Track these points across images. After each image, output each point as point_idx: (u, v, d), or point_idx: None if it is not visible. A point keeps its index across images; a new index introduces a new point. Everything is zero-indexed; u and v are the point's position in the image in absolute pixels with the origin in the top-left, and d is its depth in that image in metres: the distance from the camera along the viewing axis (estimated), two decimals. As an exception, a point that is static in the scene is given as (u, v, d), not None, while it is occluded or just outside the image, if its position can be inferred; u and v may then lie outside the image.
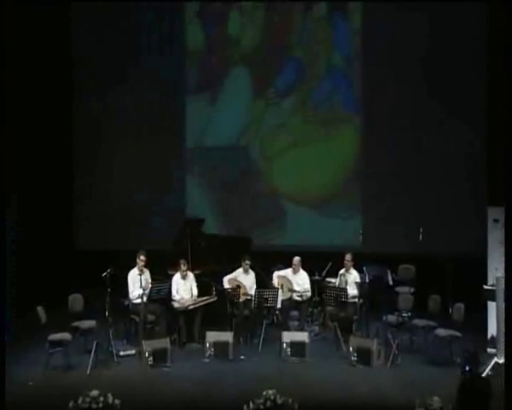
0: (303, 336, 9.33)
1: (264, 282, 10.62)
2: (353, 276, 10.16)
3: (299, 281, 10.35)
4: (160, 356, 8.89)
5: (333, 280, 10.47)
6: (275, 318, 10.50)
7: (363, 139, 12.74)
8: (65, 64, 12.69)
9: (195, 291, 10.05)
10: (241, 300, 10.01)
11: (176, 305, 9.84)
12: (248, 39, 13.06)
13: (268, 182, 13.04)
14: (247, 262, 10.28)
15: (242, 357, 9.29)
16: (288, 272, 10.45)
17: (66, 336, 8.86)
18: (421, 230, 10.44)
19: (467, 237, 11.75)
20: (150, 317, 9.68)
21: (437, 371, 8.55)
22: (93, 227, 12.88)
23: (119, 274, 9.47)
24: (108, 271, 9.12)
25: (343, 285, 10.01)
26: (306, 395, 7.60)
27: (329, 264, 10.64)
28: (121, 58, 12.85)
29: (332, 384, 8.35)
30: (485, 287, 9.07)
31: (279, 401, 6.41)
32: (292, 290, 10.27)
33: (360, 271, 10.35)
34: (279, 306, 10.09)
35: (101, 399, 6.20)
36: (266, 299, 9.83)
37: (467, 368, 6.28)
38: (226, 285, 10.19)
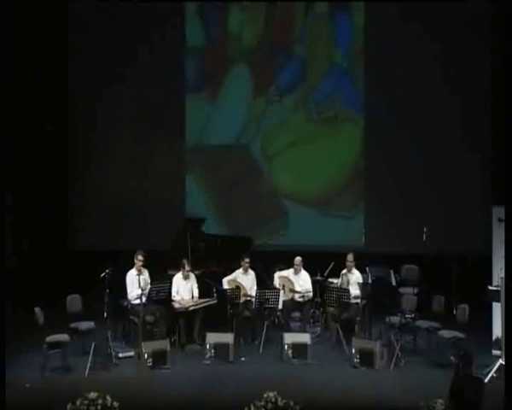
0: (305, 338, 9.31)
1: (265, 282, 10.61)
2: (356, 276, 10.14)
3: (301, 281, 10.34)
4: (159, 358, 8.87)
5: (335, 281, 10.45)
6: (276, 319, 10.49)
7: (365, 137, 12.73)
8: (62, 61, 12.68)
9: (196, 292, 10.04)
10: (241, 301, 9.99)
11: (176, 305, 9.83)
12: (249, 36, 13.06)
13: (269, 181, 13.03)
14: (247, 261, 10.27)
15: (243, 359, 9.28)
16: (289, 272, 10.43)
17: (64, 337, 8.85)
18: (424, 229, 10.42)
19: (471, 236, 11.74)
20: (149, 318, 9.66)
21: (441, 373, 8.51)
22: (91, 227, 12.86)
23: (117, 274, 9.45)
24: (107, 271, 9.10)
25: (345, 286, 10.00)
26: (308, 398, 7.60)
27: (331, 264, 10.63)
28: (120, 55, 12.83)
29: (334, 386, 8.33)
30: (490, 287, 9.06)
31: (280, 404, 6.40)
32: (293, 291, 10.25)
33: (363, 271, 10.33)
34: (280, 307, 10.07)
35: (100, 401, 6.21)
36: (267, 300, 9.81)
37: (459, 367, 6.31)
38: (226, 287, 10.17)
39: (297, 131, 12.96)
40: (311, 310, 10.48)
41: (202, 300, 10.00)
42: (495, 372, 8.23)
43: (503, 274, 8.70)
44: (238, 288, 10.03)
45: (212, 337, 9.24)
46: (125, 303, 9.82)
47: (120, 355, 9.22)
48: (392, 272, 10.61)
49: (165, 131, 13.03)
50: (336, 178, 12.86)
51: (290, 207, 12.93)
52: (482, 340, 9.36)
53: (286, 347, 9.18)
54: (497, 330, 9.09)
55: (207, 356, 9.16)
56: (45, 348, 8.66)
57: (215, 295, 10.12)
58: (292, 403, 6.48)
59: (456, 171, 12.24)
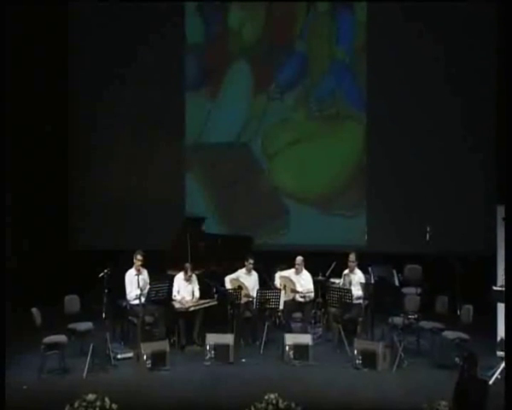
0: (306, 339, 9.31)
1: (266, 282, 10.60)
2: (358, 276, 10.14)
3: (302, 281, 10.33)
4: (158, 359, 8.87)
5: (337, 281, 10.45)
6: (277, 319, 10.48)
7: (367, 135, 12.72)
8: (62, 58, 12.68)
9: (197, 294, 10.04)
10: (242, 301, 9.99)
11: (176, 305, 9.83)
12: (249, 33, 13.04)
13: (270, 180, 13.01)
14: (251, 262, 10.27)
15: (244, 360, 9.28)
16: (290, 272, 10.43)
17: (61, 338, 8.84)
18: (428, 229, 10.40)
19: (475, 236, 11.72)
20: (148, 318, 9.65)
21: (444, 374, 8.51)
22: (90, 226, 12.86)
23: (116, 274, 9.44)
24: (106, 271, 9.09)
25: (347, 286, 9.99)
26: (309, 399, 7.60)
27: (333, 264, 10.61)
28: (119, 54, 12.82)
29: (336, 388, 8.33)
30: (495, 288, 9.04)
31: (281, 405, 6.41)
32: (294, 291, 10.25)
33: (365, 271, 10.33)
34: (281, 307, 10.06)
35: (98, 403, 6.22)
36: (268, 300, 9.81)
37: (464, 369, 6.31)
38: (228, 285, 10.17)
39: (298, 129, 12.94)
40: (313, 311, 10.46)
41: (203, 300, 10.00)
42: (499, 374, 8.22)
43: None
44: (240, 288, 10.03)
45: (212, 338, 9.24)
46: (124, 304, 9.82)
47: (119, 356, 9.22)
48: (394, 272, 10.59)
49: (164, 129, 13.01)
50: (338, 176, 12.84)
51: (291, 206, 12.92)
52: (486, 341, 9.35)
53: (287, 348, 9.18)
54: (502, 331, 9.06)
55: (207, 357, 9.15)
56: (43, 349, 8.66)
57: (215, 295, 10.11)
58: (293, 405, 6.49)
59: (460, 169, 12.22)
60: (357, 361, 8.95)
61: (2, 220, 8.99)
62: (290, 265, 10.46)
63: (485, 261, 10.14)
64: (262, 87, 12.99)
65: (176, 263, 10.19)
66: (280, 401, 6.43)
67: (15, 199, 11.18)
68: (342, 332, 9.64)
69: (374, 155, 12.63)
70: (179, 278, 10.03)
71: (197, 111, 13.09)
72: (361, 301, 9.88)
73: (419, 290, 10.30)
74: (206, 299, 10.05)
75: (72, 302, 9.53)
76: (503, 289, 8.64)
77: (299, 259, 10.36)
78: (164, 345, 9.06)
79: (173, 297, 9.88)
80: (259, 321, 9.97)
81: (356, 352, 9.00)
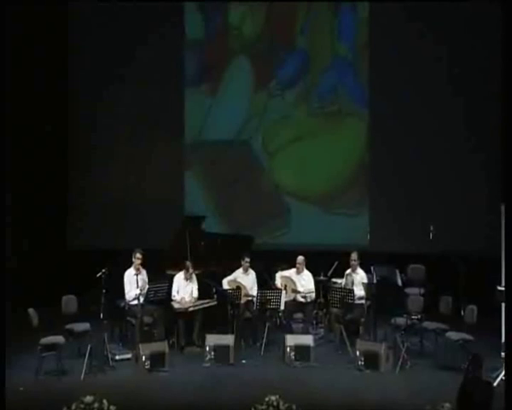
0: (307, 340, 9.31)
1: (266, 282, 10.60)
2: (360, 276, 10.13)
3: (303, 281, 10.33)
4: (157, 360, 8.87)
5: (339, 281, 10.44)
6: (278, 320, 10.47)
7: (370, 133, 12.71)
8: (61, 56, 12.71)
9: (196, 294, 10.04)
10: (242, 301, 9.98)
11: (176, 305, 9.82)
12: (250, 29, 13.05)
13: (270, 178, 13.01)
14: (247, 260, 10.27)
15: (244, 361, 9.27)
16: (291, 272, 10.43)
17: (58, 339, 8.83)
18: (431, 228, 10.40)
19: (480, 235, 11.71)
20: (147, 319, 9.65)
21: (448, 376, 8.51)
22: (87, 225, 12.86)
23: (114, 274, 9.43)
24: (103, 271, 9.09)
25: (349, 286, 9.99)
26: (311, 401, 7.61)
27: (335, 264, 10.61)
28: (119, 53, 12.83)
29: (338, 390, 8.32)
30: (500, 288, 9.03)
31: (282, 408, 6.41)
32: (296, 291, 10.25)
33: (367, 271, 10.32)
34: (282, 307, 10.05)
35: (96, 405, 6.21)
36: (269, 300, 9.80)
37: (469, 370, 6.31)
38: (226, 287, 10.16)
39: (299, 127, 12.95)
40: (314, 311, 10.47)
41: (202, 301, 9.99)
42: (504, 375, 8.20)
43: None
44: (239, 288, 10.03)
45: (212, 339, 9.23)
46: (122, 304, 9.81)
47: (117, 358, 9.21)
48: (397, 271, 10.58)
49: (164, 128, 13.02)
50: (340, 174, 12.85)
51: (292, 205, 12.92)
52: (491, 342, 9.34)
53: (288, 349, 9.17)
54: (507, 332, 9.07)
55: (207, 358, 9.15)
56: (39, 350, 8.65)
57: (215, 296, 10.11)
58: (294, 407, 6.48)
59: (464, 168, 12.21)
60: (360, 362, 8.94)
61: (2, 220, 9.02)
62: (291, 264, 10.46)
63: (489, 261, 10.12)
64: (262, 84, 13.00)
65: (175, 263, 10.19)
66: (281, 403, 6.43)
67: (15, 199, 11.25)
68: (344, 333, 9.63)
69: (376, 153, 12.63)
70: (179, 277, 10.03)
71: (197, 108, 13.12)
72: (363, 301, 9.88)
73: (422, 290, 10.32)
74: (205, 299, 10.04)
75: (69, 303, 9.53)
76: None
77: (300, 258, 10.36)
78: (163, 346, 9.06)
79: (172, 297, 9.87)
80: (260, 322, 9.97)
81: (358, 353, 8.99)
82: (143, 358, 8.81)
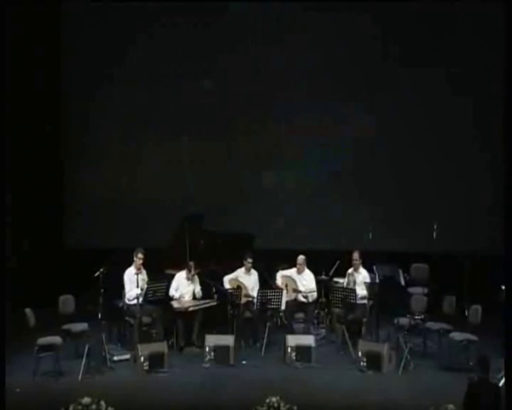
0: (309, 340, 9.32)
1: (267, 282, 10.60)
2: (362, 276, 10.13)
3: (305, 281, 10.33)
4: (156, 361, 8.88)
5: (341, 280, 10.45)
6: (278, 320, 10.48)
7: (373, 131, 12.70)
8: (54, 58, 12.68)
9: (199, 294, 10.05)
10: (242, 301, 9.99)
11: (175, 305, 9.83)
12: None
13: (271, 176, 12.99)
14: (250, 260, 10.27)
15: (244, 362, 9.28)
16: (292, 271, 10.43)
17: (56, 339, 8.85)
18: (435, 226, 10.41)
19: (484, 234, 11.71)
20: (146, 319, 9.65)
21: (452, 377, 8.54)
22: (85, 224, 12.86)
23: (113, 274, 9.44)
24: (101, 270, 9.10)
25: (351, 286, 9.99)
26: (312, 403, 7.63)
27: (337, 263, 10.62)
28: (111, 50, 12.79)
29: (339, 391, 8.34)
30: (504, 287, 9.03)
31: (283, 409, 6.42)
32: (297, 291, 10.25)
33: (370, 270, 10.32)
34: (283, 307, 10.08)
35: (94, 407, 6.23)
36: (269, 300, 9.81)
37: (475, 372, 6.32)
38: (227, 286, 10.18)
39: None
40: (316, 311, 10.48)
41: (202, 301, 10.00)
42: (504, 375, 8.21)
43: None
44: (239, 287, 10.03)
45: (212, 339, 9.24)
46: (121, 304, 9.83)
47: (115, 358, 9.22)
48: (400, 271, 10.59)
49: (163, 127, 13.01)
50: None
51: (293, 203, 12.88)
52: (495, 342, 9.34)
53: (289, 349, 9.19)
54: (511, 333, 9.07)
55: (207, 359, 9.16)
56: (36, 351, 8.66)
57: (215, 295, 10.12)
58: (295, 408, 6.51)
59: (467, 167, 12.20)
60: (362, 363, 8.96)
61: (2, 220, 9.04)
62: (292, 264, 10.46)
63: (494, 260, 10.12)
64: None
65: (174, 262, 10.19)
66: (282, 404, 6.45)
67: (15, 199, 11.32)
68: (346, 333, 9.64)
69: (379, 151, 12.61)
70: (181, 276, 10.04)
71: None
72: (366, 301, 9.88)
73: (426, 290, 10.33)
74: (205, 299, 10.05)
75: (66, 302, 9.55)
76: None
77: (301, 258, 10.36)
78: (162, 346, 9.07)
79: (170, 295, 9.87)
80: (260, 322, 9.97)
81: (360, 354, 9.01)
82: (142, 358, 8.83)
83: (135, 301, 9.51)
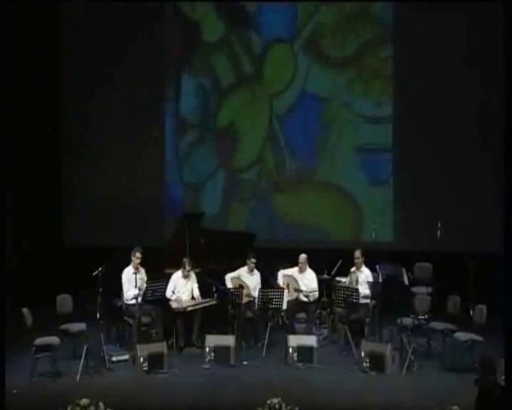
0: (310, 340, 9.31)
1: (268, 281, 10.60)
2: (365, 275, 10.12)
3: (306, 280, 10.31)
4: (155, 362, 8.88)
5: (343, 279, 10.44)
6: (280, 320, 10.48)
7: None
8: (54, 58, 12.72)
9: (197, 293, 10.04)
10: (243, 301, 9.98)
11: (174, 305, 9.82)
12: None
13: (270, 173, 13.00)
14: (253, 260, 10.26)
15: (245, 362, 9.28)
16: (293, 270, 10.42)
17: (53, 339, 8.84)
18: (439, 225, 10.39)
19: (489, 233, 11.69)
20: (145, 319, 9.65)
21: (456, 378, 8.53)
22: (83, 223, 12.87)
23: (111, 273, 9.43)
24: (100, 269, 9.09)
25: (354, 285, 9.98)
26: (314, 404, 7.63)
27: (339, 262, 10.61)
28: (110, 50, 12.80)
29: (342, 392, 8.33)
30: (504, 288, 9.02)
31: (285, 410, 6.41)
32: (298, 290, 10.24)
33: (373, 269, 10.31)
34: (285, 307, 10.06)
35: (92, 408, 6.24)
36: (271, 300, 9.80)
37: (482, 375, 6.28)
38: (229, 284, 10.17)
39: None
40: (318, 311, 10.46)
41: (202, 300, 9.99)
42: (504, 375, 8.20)
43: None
44: (241, 287, 10.02)
45: (212, 340, 9.24)
46: (120, 303, 9.82)
47: (114, 359, 9.22)
48: (404, 270, 10.57)
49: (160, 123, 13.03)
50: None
51: (294, 202, 12.88)
52: (500, 343, 9.33)
53: (290, 350, 9.18)
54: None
55: (207, 360, 9.16)
56: (33, 352, 8.65)
57: (215, 295, 10.11)
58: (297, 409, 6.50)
59: (471, 165, 12.18)
60: (365, 364, 8.94)
61: (2, 220, 9.04)
62: (293, 263, 10.45)
63: (498, 260, 10.11)
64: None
65: (174, 261, 10.18)
66: (283, 405, 6.45)
67: (15, 199, 11.36)
68: (349, 333, 9.64)
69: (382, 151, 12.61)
70: (177, 276, 10.02)
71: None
72: (368, 300, 9.87)
73: (430, 290, 10.32)
74: (205, 298, 10.05)
75: (64, 302, 9.54)
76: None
77: (303, 257, 10.34)
78: (161, 347, 9.06)
79: (167, 296, 9.85)
80: (261, 322, 9.97)
81: (363, 354, 8.99)
82: (141, 359, 8.82)
83: (134, 301, 9.51)
